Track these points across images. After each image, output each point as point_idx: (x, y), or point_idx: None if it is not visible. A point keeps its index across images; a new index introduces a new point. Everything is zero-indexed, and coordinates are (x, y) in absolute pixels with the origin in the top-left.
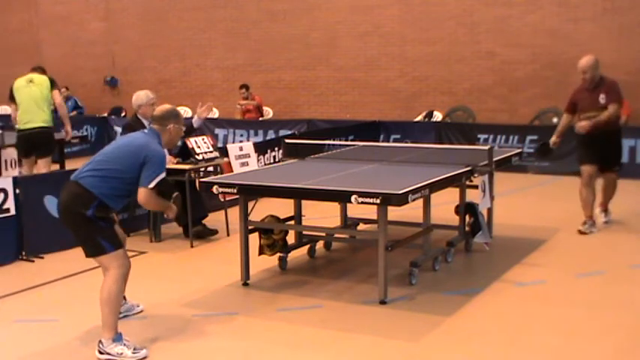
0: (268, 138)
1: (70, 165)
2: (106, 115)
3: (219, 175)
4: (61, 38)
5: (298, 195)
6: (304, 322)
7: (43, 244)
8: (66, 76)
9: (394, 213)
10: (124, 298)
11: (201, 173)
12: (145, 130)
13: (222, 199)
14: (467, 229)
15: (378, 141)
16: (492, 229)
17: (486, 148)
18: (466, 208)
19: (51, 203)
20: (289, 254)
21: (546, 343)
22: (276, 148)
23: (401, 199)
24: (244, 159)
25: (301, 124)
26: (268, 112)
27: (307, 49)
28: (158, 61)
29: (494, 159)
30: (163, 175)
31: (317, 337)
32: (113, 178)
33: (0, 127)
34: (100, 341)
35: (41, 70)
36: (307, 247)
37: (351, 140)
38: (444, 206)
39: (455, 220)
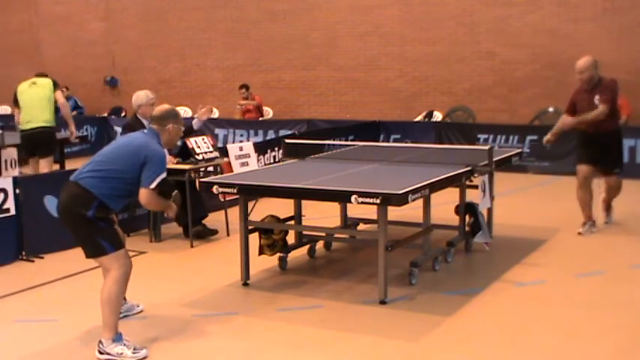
0: (268, 138)
1: (70, 165)
2: (106, 115)
3: (219, 175)
4: (61, 38)
5: (298, 195)
6: (304, 322)
7: (43, 244)
8: (66, 76)
9: (394, 213)
10: (124, 298)
11: (201, 173)
12: (145, 130)
13: (222, 199)
14: (467, 229)
15: (378, 141)
16: (492, 229)
17: (486, 148)
18: (466, 208)
19: (51, 203)
20: (289, 254)
21: (546, 343)
22: (276, 148)
23: (401, 199)
24: (244, 159)
25: (301, 124)
26: (268, 112)
27: (307, 49)
28: (158, 61)
29: (494, 159)
30: (164, 175)
31: (317, 337)
32: (113, 178)
33: (0, 127)
34: (100, 341)
35: (44, 76)
36: (307, 247)
37: (351, 140)
38: (444, 206)
39: (455, 220)
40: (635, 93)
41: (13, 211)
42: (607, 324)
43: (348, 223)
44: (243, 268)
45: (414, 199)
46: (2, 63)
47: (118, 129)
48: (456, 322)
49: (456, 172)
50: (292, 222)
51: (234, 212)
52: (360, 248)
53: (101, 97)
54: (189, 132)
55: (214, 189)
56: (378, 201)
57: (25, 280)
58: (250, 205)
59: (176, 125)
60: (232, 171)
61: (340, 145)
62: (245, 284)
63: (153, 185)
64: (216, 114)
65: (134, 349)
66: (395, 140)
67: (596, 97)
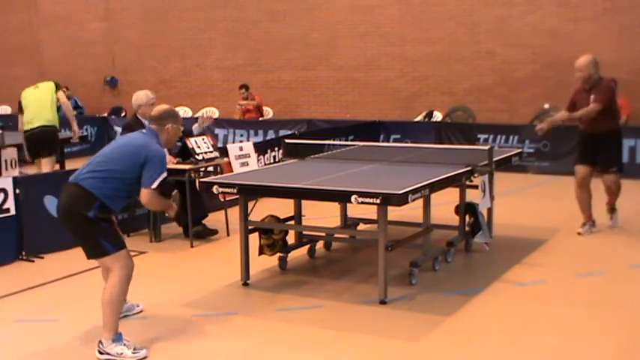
0: (268, 138)
1: (70, 165)
2: (106, 115)
3: (219, 175)
4: (61, 38)
5: (298, 195)
6: (304, 322)
7: (43, 244)
8: (66, 76)
9: (394, 213)
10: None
11: (201, 173)
12: (144, 131)
13: (222, 199)
14: (467, 229)
15: (378, 141)
16: (492, 229)
17: (486, 148)
18: (466, 208)
19: (51, 203)
20: (289, 254)
21: (546, 343)
22: (276, 148)
23: (401, 199)
24: (244, 159)
25: (301, 124)
26: (268, 112)
27: (307, 49)
28: (158, 61)
29: (495, 159)
30: (165, 174)
31: (317, 337)
32: (113, 178)
33: (0, 127)
34: (100, 341)
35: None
36: (307, 247)
37: (351, 140)
38: (444, 206)
39: (455, 220)
40: (635, 93)
41: (13, 211)
42: (607, 324)
43: (348, 223)
44: (243, 268)
45: (414, 199)
46: (2, 63)
47: (118, 129)
48: (456, 322)
49: (456, 172)
50: (292, 222)
51: (234, 212)
52: (360, 248)
53: (101, 97)
54: (189, 135)
55: (214, 189)
56: (378, 201)
57: (25, 280)
58: (250, 205)
59: (175, 125)
60: (232, 171)
61: (340, 145)
62: (245, 284)
63: (154, 185)
64: (216, 114)
65: (134, 349)
66: (395, 140)
67: (592, 97)
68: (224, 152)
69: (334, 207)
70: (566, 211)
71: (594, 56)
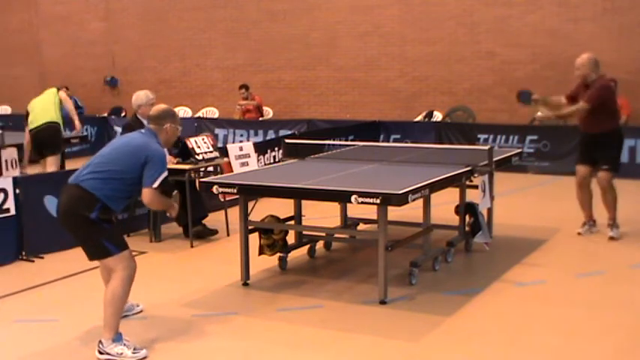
0: (268, 138)
1: (70, 165)
2: (106, 115)
3: (219, 175)
4: (61, 38)
5: (298, 195)
6: (304, 322)
7: (43, 244)
8: (66, 76)
9: (394, 213)
10: None
11: (201, 173)
12: (142, 131)
13: (222, 199)
14: (467, 229)
15: (378, 141)
16: (492, 229)
17: (486, 148)
18: (466, 208)
19: (51, 203)
20: (289, 254)
21: (546, 343)
22: (276, 148)
23: (401, 199)
24: (244, 159)
25: (301, 124)
26: (268, 112)
27: (307, 49)
28: (158, 61)
29: (495, 159)
30: (166, 173)
31: (317, 337)
32: (114, 179)
33: (0, 127)
34: (100, 341)
35: None
36: (307, 247)
37: (351, 140)
38: (444, 206)
39: (455, 220)
40: (635, 93)
41: (13, 211)
42: (607, 324)
43: (348, 223)
44: (243, 268)
45: (414, 199)
46: (2, 63)
47: (118, 129)
48: (456, 322)
49: (456, 172)
50: (292, 222)
51: (234, 212)
52: (360, 248)
53: (101, 97)
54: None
55: (214, 189)
56: (378, 201)
57: (25, 280)
58: (250, 205)
59: (173, 125)
60: (232, 171)
61: (340, 145)
62: (245, 284)
63: (155, 184)
64: (216, 114)
65: (134, 349)
66: (395, 140)
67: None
68: (224, 152)
69: (334, 207)
70: (566, 211)
71: (595, 56)
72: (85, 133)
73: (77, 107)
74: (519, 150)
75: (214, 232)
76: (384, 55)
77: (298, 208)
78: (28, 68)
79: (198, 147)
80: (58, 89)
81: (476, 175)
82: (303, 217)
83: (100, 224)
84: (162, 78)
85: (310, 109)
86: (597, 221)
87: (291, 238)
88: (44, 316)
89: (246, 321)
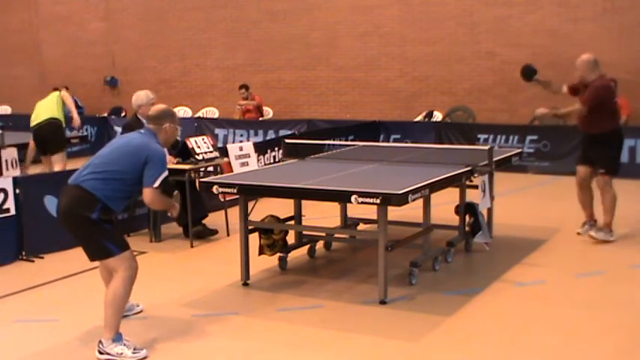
0: (268, 138)
1: (70, 165)
2: (106, 115)
3: (219, 175)
4: (61, 38)
5: (298, 195)
6: (304, 322)
7: (43, 244)
8: (66, 76)
9: (394, 213)
10: None
11: (201, 173)
12: (142, 131)
13: (222, 199)
14: (467, 229)
15: (378, 141)
16: (492, 229)
17: (486, 148)
18: (466, 208)
19: (51, 203)
20: (289, 254)
21: (546, 343)
22: (276, 148)
23: (401, 199)
24: (244, 159)
25: (301, 124)
26: (268, 112)
27: (307, 49)
28: (158, 61)
29: (495, 159)
30: (166, 173)
31: (317, 337)
32: (114, 179)
33: (0, 127)
34: (100, 341)
35: None
36: (307, 247)
37: (351, 140)
38: (444, 206)
39: (455, 220)
40: (635, 93)
41: (13, 211)
42: (607, 324)
43: (348, 223)
44: (243, 268)
45: (414, 199)
46: (2, 63)
47: (118, 129)
48: (456, 322)
49: (456, 172)
50: (292, 222)
51: (234, 212)
52: (360, 248)
53: (101, 97)
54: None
55: (214, 189)
56: (378, 201)
57: (25, 280)
58: (250, 205)
59: (172, 124)
60: (232, 171)
61: (340, 145)
62: (245, 284)
63: (156, 184)
64: (216, 114)
65: (134, 349)
66: (395, 140)
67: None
68: (224, 152)
69: (334, 207)
70: (566, 211)
71: (594, 57)
72: (85, 133)
73: (77, 107)
74: (519, 150)
75: (214, 232)
76: (384, 55)
77: (298, 208)
78: (28, 68)
79: (198, 147)
80: (60, 91)
81: (476, 175)
82: (303, 217)
83: (100, 225)
84: (162, 78)
85: (310, 109)
86: (598, 221)
87: (291, 238)
88: (44, 316)
89: (246, 321)
